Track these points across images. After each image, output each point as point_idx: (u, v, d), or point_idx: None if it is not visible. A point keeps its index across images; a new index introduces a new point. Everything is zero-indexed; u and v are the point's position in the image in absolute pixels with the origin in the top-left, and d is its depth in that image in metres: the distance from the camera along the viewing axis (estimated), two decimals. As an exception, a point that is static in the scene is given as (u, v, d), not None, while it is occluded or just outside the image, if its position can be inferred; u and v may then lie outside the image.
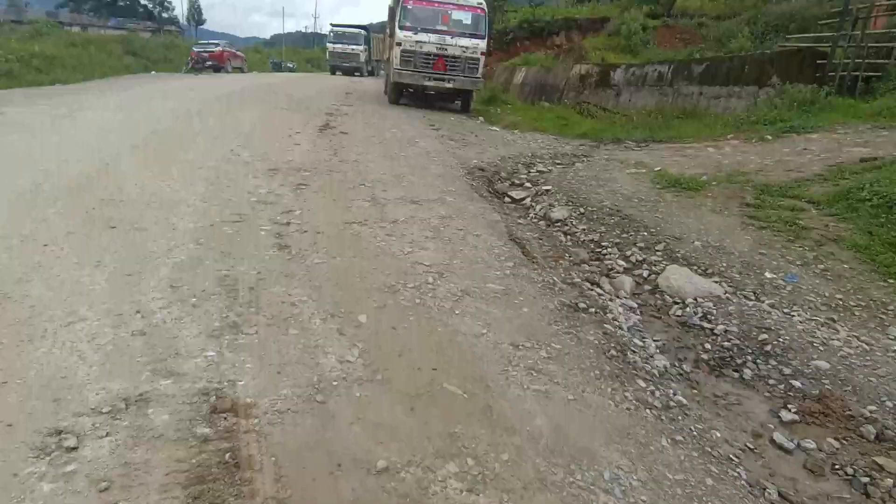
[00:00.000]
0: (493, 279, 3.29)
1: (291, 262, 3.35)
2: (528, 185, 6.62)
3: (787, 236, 4.14)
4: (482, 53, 13.37)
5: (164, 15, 62.10)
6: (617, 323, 2.94)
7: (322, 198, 4.95)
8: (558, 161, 7.89)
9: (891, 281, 3.42)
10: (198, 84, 16.14)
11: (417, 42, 12.92)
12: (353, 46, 30.58)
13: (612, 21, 22.81)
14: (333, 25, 32.18)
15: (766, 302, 3.22)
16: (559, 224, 5.05)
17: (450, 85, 13.34)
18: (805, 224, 4.31)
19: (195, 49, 25.13)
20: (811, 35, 12.61)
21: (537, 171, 7.30)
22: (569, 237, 4.71)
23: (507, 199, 6.11)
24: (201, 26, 64.50)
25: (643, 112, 12.51)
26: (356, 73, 30.89)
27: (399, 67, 13.16)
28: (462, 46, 13.05)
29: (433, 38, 12.97)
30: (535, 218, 5.33)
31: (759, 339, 2.75)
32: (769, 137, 7.91)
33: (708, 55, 14.82)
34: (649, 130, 10.11)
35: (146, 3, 64.91)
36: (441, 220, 4.52)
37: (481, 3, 13.26)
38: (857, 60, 9.73)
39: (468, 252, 3.75)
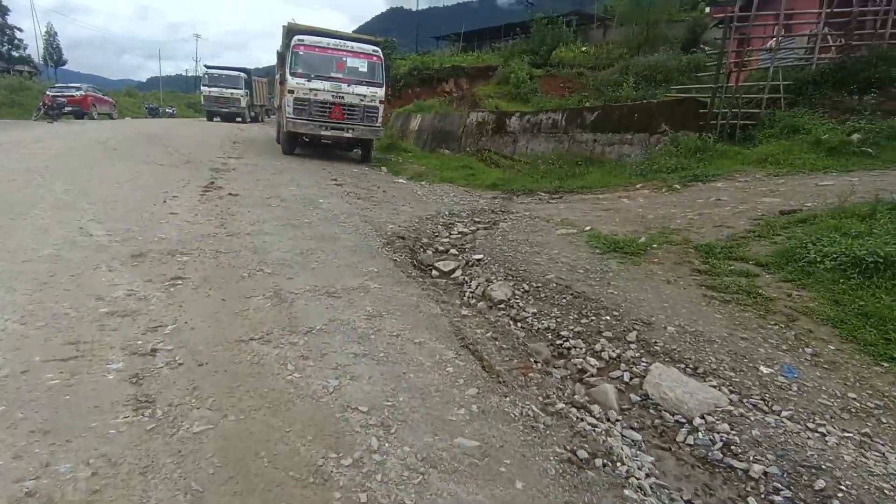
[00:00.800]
0: (460, 426, 2.39)
1: (154, 437, 2.18)
2: (453, 251, 5.88)
3: (756, 311, 3.75)
4: (381, 102, 12.79)
5: (15, 54, 54.26)
6: (636, 480, 2.18)
7: (206, 298, 3.76)
8: (478, 219, 7.30)
9: (885, 364, 3.08)
10: (50, 134, 13.68)
11: (312, 90, 12.02)
12: (233, 90, 29.06)
13: (498, 70, 23.71)
14: (208, 67, 30.40)
15: (784, 414, 2.67)
16: (503, 306, 4.31)
17: (349, 135, 12.53)
18: (767, 294, 3.98)
19: (50, 92, 21.86)
20: (692, 86, 13.64)
21: (459, 233, 6.62)
22: (520, 325, 3.97)
23: (434, 272, 5.30)
24: (62, 67, 57.65)
25: (542, 159, 12.55)
26: (237, 119, 29.74)
27: (293, 116, 12.10)
28: (359, 94, 12.37)
29: (328, 85, 12.15)
30: (474, 298, 4.55)
31: (816, 486, 2.14)
32: (678, 187, 8.00)
33: (598, 103, 15.54)
34: (558, 180, 10.01)
35: (-11, 41, 56.84)
36: (369, 320, 3.56)
37: (377, 51, 12.74)
38: (733, 110, 10.49)
39: (415, 377, 2.83)
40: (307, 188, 8.75)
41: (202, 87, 28.83)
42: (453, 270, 5.31)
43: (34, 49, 59.09)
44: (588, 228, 6.05)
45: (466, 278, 5.04)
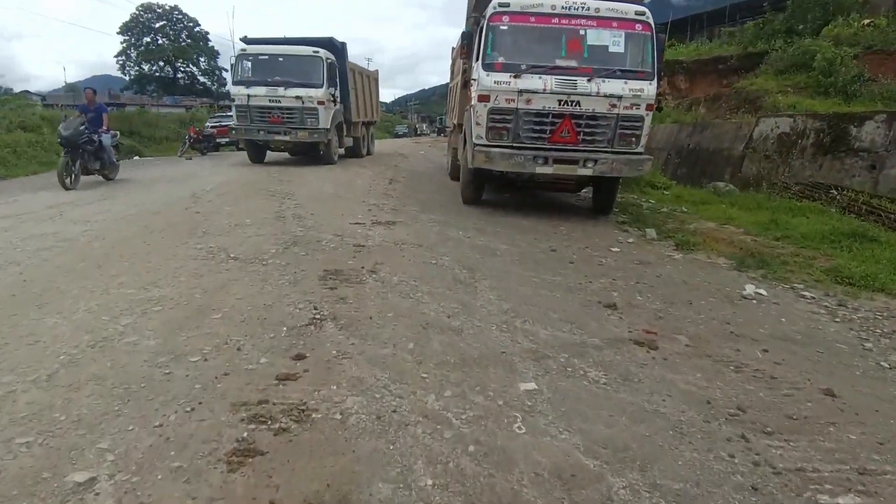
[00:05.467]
0: None
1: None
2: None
3: None
4: (649, 107, 6.72)
5: (223, 90, 60.35)
6: None
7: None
8: None
9: None
10: (183, 174, 10.45)
11: (522, 92, 6.49)
12: (300, 91, 11.75)
13: (770, 55, 15.91)
14: (248, 42, 12.78)
15: None
16: None
17: (588, 171, 6.70)
18: None
19: (208, 123, 20.25)
20: None
21: None
22: None
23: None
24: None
25: None
26: (311, 152, 13.08)
27: (484, 140, 6.75)
28: (611, 95, 6.50)
29: (552, 82, 6.51)
30: None
31: None
32: None
33: None
34: None
35: (204, 80, 64.35)
36: None
37: (643, 15, 6.72)
38: None
39: None
40: (550, 344, 3.08)
41: (232, 89, 12.15)
42: None
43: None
44: None
45: None
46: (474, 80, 6.99)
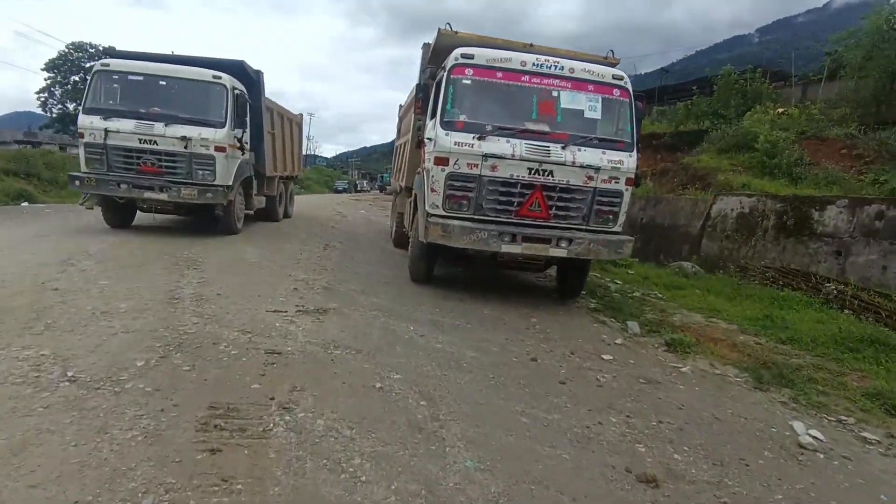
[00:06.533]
0: None
1: None
2: None
3: None
4: (628, 181, 5.92)
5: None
6: None
7: None
8: None
9: None
10: (72, 228, 8.42)
11: (486, 157, 5.50)
12: (188, 130, 8.02)
13: (709, 134, 16.39)
14: (111, 56, 9.61)
15: None
16: None
17: (562, 251, 5.69)
18: None
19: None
20: None
21: None
22: None
23: None
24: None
25: None
26: (202, 216, 9.22)
27: (439, 210, 5.65)
28: (586, 166, 5.64)
29: (522, 147, 5.58)
30: None
31: None
32: None
33: None
34: None
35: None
36: None
37: (620, 80, 6.05)
38: None
39: None
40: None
41: (82, 119, 8.12)
42: None
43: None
44: None
45: None
46: (430, 139, 5.93)
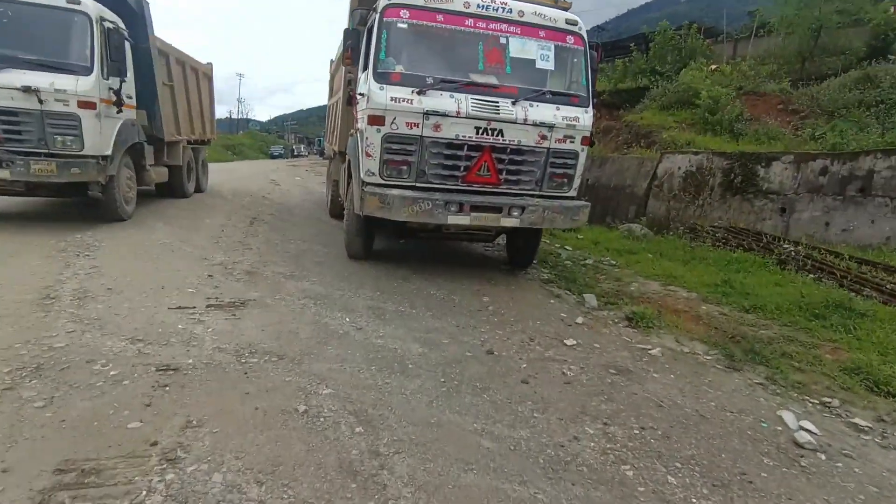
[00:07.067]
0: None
1: None
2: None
3: None
4: (584, 140, 5.39)
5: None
6: None
7: None
8: None
9: None
10: None
11: (427, 114, 4.75)
12: (36, 78, 5.77)
13: (650, 91, 16.19)
14: None
15: None
16: None
17: (514, 220, 5.12)
18: None
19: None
20: None
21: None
22: None
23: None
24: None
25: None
26: (71, 195, 6.99)
27: (376, 177, 4.91)
28: (538, 124, 5.04)
29: (469, 103, 4.87)
30: None
31: None
32: None
33: None
34: None
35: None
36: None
37: (574, 25, 5.40)
38: None
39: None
40: None
41: None
42: None
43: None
44: None
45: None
46: (362, 94, 5.10)
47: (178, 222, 7.27)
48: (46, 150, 5.84)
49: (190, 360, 3.06)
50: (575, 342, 3.94)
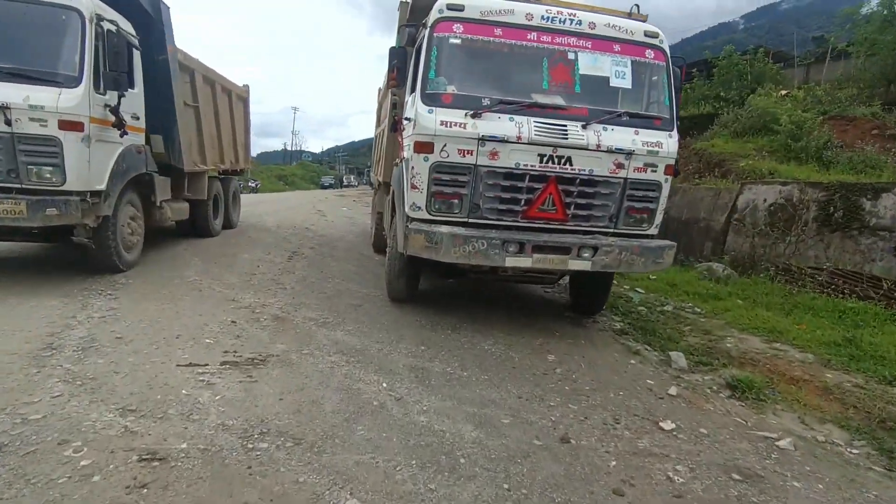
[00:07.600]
0: None
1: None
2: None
3: None
4: (668, 170, 4.51)
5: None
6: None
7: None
8: None
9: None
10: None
11: (484, 139, 4.04)
12: (6, 91, 4.43)
13: (719, 117, 15.04)
14: None
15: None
16: None
17: (584, 263, 4.26)
18: None
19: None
20: None
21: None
22: None
23: None
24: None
25: None
26: (55, 241, 5.67)
27: (423, 213, 4.19)
28: (613, 151, 4.22)
29: (531, 127, 4.12)
30: None
31: None
32: None
33: None
34: None
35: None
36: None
37: (655, 39, 4.61)
38: None
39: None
40: None
41: None
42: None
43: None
44: None
45: None
46: (408, 119, 4.50)
47: (214, 258, 6.86)
48: (19, 185, 4.53)
49: (184, 444, 2.41)
50: (674, 425, 3.04)
